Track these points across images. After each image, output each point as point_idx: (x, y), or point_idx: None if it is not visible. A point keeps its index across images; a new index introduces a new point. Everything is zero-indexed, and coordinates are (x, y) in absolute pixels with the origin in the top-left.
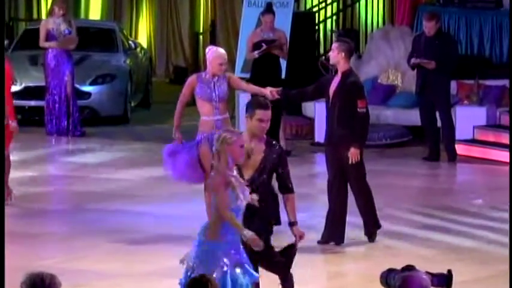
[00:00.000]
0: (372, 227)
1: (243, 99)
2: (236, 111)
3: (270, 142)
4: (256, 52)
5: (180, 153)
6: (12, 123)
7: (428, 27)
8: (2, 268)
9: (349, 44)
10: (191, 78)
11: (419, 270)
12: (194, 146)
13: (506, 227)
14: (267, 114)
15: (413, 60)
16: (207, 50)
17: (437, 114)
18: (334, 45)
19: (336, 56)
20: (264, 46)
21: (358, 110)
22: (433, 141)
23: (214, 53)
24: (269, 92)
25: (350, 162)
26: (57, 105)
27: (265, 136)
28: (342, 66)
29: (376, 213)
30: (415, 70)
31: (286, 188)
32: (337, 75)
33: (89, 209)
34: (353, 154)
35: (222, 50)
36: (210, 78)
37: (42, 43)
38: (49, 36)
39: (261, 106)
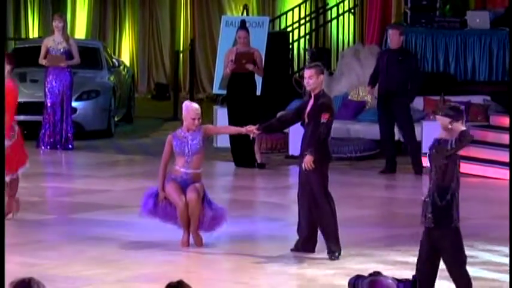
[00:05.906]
0: (332, 244)
1: (221, 117)
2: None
3: None
4: (229, 65)
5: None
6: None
7: (392, 34)
8: (2, 268)
9: (320, 67)
10: (168, 138)
11: (386, 275)
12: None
13: (473, 236)
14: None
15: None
16: (183, 105)
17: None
18: (311, 71)
19: (316, 81)
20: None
21: (320, 121)
22: (390, 153)
23: (187, 109)
24: (245, 130)
25: (303, 169)
26: (52, 121)
27: None
28: (317, 89)
29: (337, 231)
30: (377, 86)
31: None
32: (311, 98)
33: (76, 218)
34: (306, 162)
35: (195, 105)
36: (185, 133)
37: (40, 60)
38: (48, 54)
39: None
